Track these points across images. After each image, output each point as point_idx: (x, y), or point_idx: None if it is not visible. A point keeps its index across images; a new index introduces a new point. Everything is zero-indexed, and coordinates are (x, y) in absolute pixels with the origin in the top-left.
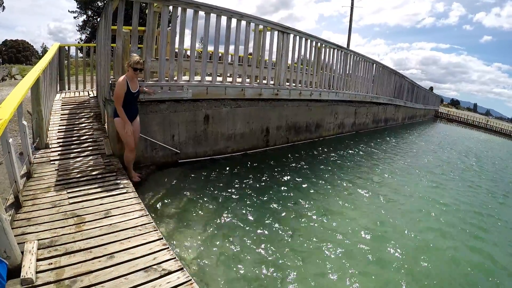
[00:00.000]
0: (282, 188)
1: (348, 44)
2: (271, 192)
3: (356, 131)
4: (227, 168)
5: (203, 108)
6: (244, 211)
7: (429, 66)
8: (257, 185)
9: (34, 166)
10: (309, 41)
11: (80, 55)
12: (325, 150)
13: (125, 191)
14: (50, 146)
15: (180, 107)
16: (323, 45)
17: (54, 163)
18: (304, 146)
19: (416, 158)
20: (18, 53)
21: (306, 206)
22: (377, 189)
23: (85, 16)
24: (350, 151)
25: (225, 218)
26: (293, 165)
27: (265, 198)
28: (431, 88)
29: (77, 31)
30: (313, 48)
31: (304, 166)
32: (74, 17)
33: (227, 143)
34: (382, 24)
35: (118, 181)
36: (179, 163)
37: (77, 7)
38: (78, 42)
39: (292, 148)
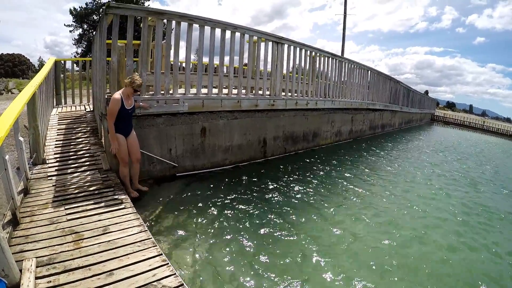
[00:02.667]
0: (280, 200)
1: (342, 52)
2: (269, 205)
3: (353, 138)
4: (225, 181)
5: (200, 121)
6: (242, 226)
7: (424, 70)
8: (255, 198)
9: (32, 182)
10: (303, 50)
11: (76, 68)
12: (323, 159)
13: (123, 206)
14: (47, 162)
15: (177, 120)
16: (317, 54)
17: (52, 179)
18: (301, 156)
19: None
20: (15, 67)
21: (305, 219)
22: (376, 201)
23: (81, 29)
24: (348, 161)
25: (224, 233)
26: (291, 176)
27: (263, 212)
28: (426, 92)
29: (73, 44)
30: (308, 57)
31: (301, 177)
32: (70, 31)
33: (225, 155)
34: (376, 31)
35: (116, 197)
36: (177, 177)
37: (72, 21)
38: (75, 56)
39: (290, 158)
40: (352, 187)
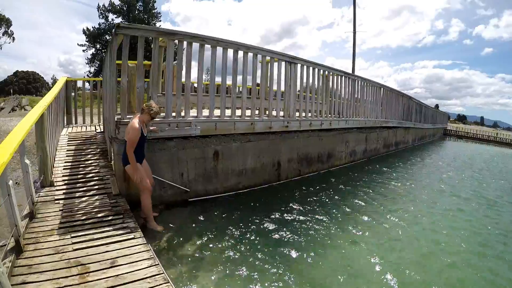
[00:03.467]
0: (295, 226)
1: (353, 69)
2: (285, 232)
3: (368, 157)
4: (240, 207)
5: (212, 144)
6: (257, 254)
7: (433, 83)
8: (270, 225)
9: (38, 205)
10: (316, 69)
11: (88, 87)
12: (339, 181)
13: (132, 236)
14: (55, 184)
15: (189, 144)
16: (330, 72)
17: (59, 203)
18: (316, 178)
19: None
20: (29, 84)
21: (325, 250)
22: (399, 224)
23: (93, 49)
24: (365, 186)
25: (239, 263)
26: (307, 200)
27: (278, 239)
28: (437, 106)
29: (86, 63)
30: (320, 77)
31: (318, 201)
32: (83, 50)
33: (238, 179)
34: (384, 47)
35: (125, 225)
36: (188, 202)
37: (85, 41)
38: (87, 75)
39: (305, 181)
40: (370, 218)
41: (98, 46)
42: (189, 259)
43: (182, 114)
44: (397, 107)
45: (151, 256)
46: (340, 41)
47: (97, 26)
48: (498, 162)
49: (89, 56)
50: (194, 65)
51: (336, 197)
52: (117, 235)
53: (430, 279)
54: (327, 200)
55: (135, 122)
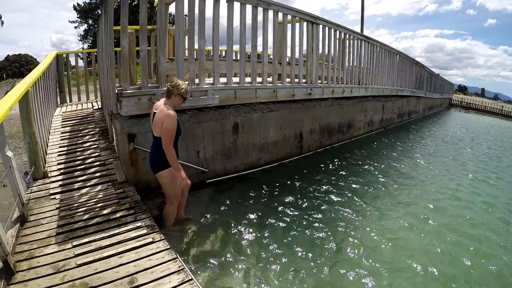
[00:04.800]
0: (327, 207)
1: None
2: (317, 213)
3: (384, 127)
4: (264, 186)
5: (231, 116)
6: (296, 249)
7: (434, 53)
8: (301, 206)
9: (31, 204)
10: (337, 32)
11: (82, 64)
12: (364, 153)
13: (150, 239)
14: (49, 175)
15: (205, 116)
16: (351, 36)
17: (55, 198)
18: (339, 150)
19: None
20: (22, 68)
21: (360, 231)
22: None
23: (86, 25)
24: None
25: (273, 256)
26: (335, 175)
27: (311, 222)
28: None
29: (79, 41)
30: (341, 41)
31: (345, 174)
32: (75, 27)
33: (259, 154)
34: (385, 14)
35: (139, 223)
36: (207, 184)
37: (77, 17)
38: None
39: (327, 153)
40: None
41: (90, 21)
42: (215, 258)
43: (197, 81)
44: (411, 75)
45: (180, 268)
46: (339, 7)
47: (87, 0)
48: None
49: (82, 33)
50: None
51: (365, 171)
52: (130, 239)
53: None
54: (356, 175)
55: (167, 107)
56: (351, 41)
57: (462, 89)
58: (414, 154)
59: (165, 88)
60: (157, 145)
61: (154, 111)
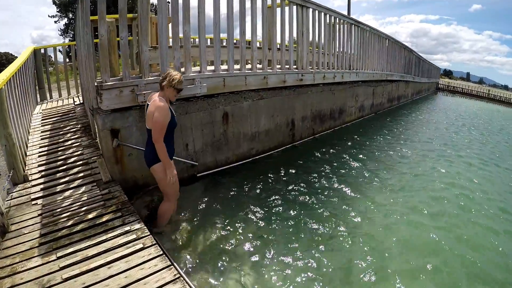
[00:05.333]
0: (323, 196)
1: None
2: (314, 203)
3: (375, 112)
4: (257, 178)
5: (221, 105)
6: (293, 237)
7: (420, 38)
8: (297, 196)
9: (12, 211)
10: (327, 16)
11: (62, 60)
12: (356, 139)
13: (141, 245)
14: (30, 179)
15: (192, 106)
16: (341, 20)
17: (37, 203)
18: (331, 137)
19: None
20: (3, 66)
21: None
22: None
23: (66, 19)
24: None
25: (273, 254)
26: (329, 163)
27: (309, 213)
28: None
29: (60, 35)
30: (331, 25)
31: (339, 161)
32: (55, 22)
33: (251, 144)
34: (370, 0)
35: (127, 227)
36: (197, 178)
37: (57, 11)
38: (62, 47)
39: (319, 140)
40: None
41: (70, 15)
42: (215, 260)
43: (182, 69)
44: (400, 60)
45: (176, 276)
46: None
47: None
48: None
49: (62, 27)
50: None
51: (358, 157)
52: (119, 246)
53: None
54: (349, 161)
55: (158, 98)
56: (341, 25)
57: (448, 73)
58: (407, 139)
59: (149, 79)
60: (150, 138)
61: (147, 103)
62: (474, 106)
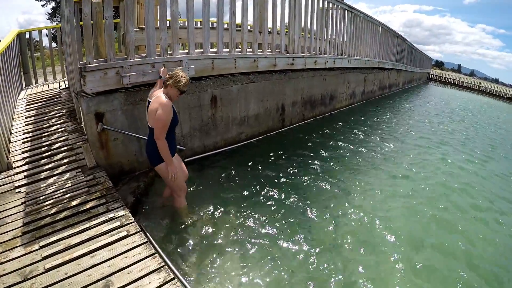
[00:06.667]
0: (313, 181)
1: None
2: (305, 189)
3: (366, 99)
4: (246, 163)
5: (209, 88)
6: (284, 225)
7: (413, 28)
8: (287, 182)
9: None
10: (321, 0)
11: (47, 44)
12: (346, 125)
13: (125, 232)
14: (13, 166)
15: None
16: (334, 5)
17: (20, 191)
18: (321, 123)
19: None
20: None
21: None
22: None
23: (54, 2)
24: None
25: (263, 240)
26: (319, 148)
27: (299, 199)
28: None
29: (47, 19)
30: (324, 9)
31: (329, 147)
32: (42, 5)
33: (240, 128)
34: None
35: (111, 214)
36: (184, 163)
37: None
38: (50, 31)
39: (309, 126)
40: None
41: None
42: (203, 248)
43: (169, 51)
44: (392, 48)
45: (160, 265)
46: None
47: None
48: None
49: (50, 11)
50: None
51: (348, 143)
52: (102, 233)
53: None
54: (339, 147)
55: (163, 96)
56: (334, 10)
57: (439, 64)
58: (397, 127)
59: (134, 60)
60: (154, 136)
61: (149, 99)
62: (479, 100)
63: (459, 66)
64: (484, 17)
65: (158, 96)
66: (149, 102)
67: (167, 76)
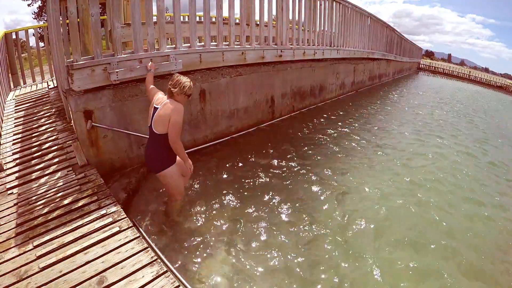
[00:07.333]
0: (305, 174)
1: None
2: (297, 181)
3: (356, 90)
4: (237, 156)
5: (197, 82)
6: (275, 217)
7: (402, 18)
8: (278, 174)
9: None
10: None
11: (34, 43)
12: (336, 116)
13: (117, 228)
14: (4, 168)
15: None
16: None
17: (13, 193)
18: (311, 114)
19: None
20: None
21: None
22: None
23: (40, 1)
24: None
25: (255, 232)
26: (309, 140)
27: (291, 191)
28: None
29: (33, 19)
30: (311, 1)
31: (319, 138)
32: (29, 5)
33: (230, 121)
34: None
35: (103, 211)
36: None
37: None
38: (37, 31)
39: (299, 117)
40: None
41: None
42: (197, 241)
43: (157, 46)
44: (381, 38)
45: (153, 259)
46: None
47: None
48: None
49: (36, 10)
50: None
51: (339, 134)
52: (95, 230)
53: None
54: (330, 139)
55: (176, 102)
56: (322, 1)
57: (429, 54)
58: (387, 117)
59: (121, 56)
60: (160, 143)
61: (155, 106)
62: (469, 89)
63: (449, 55)
64: (474, 7)
65: (167, 102)
66: (155, 108)
67: (170, 86)
